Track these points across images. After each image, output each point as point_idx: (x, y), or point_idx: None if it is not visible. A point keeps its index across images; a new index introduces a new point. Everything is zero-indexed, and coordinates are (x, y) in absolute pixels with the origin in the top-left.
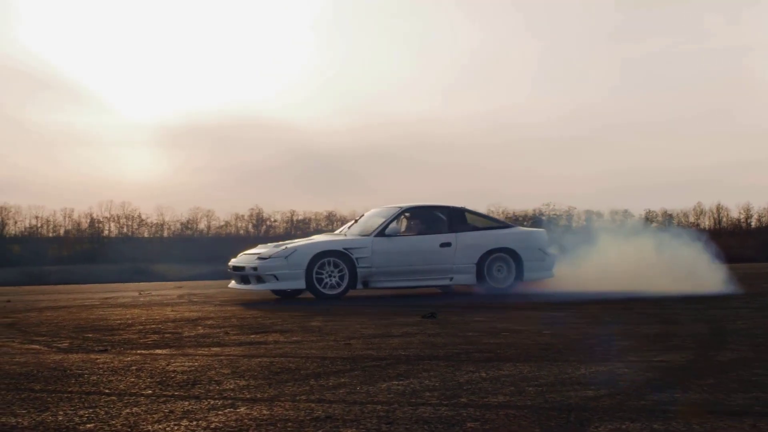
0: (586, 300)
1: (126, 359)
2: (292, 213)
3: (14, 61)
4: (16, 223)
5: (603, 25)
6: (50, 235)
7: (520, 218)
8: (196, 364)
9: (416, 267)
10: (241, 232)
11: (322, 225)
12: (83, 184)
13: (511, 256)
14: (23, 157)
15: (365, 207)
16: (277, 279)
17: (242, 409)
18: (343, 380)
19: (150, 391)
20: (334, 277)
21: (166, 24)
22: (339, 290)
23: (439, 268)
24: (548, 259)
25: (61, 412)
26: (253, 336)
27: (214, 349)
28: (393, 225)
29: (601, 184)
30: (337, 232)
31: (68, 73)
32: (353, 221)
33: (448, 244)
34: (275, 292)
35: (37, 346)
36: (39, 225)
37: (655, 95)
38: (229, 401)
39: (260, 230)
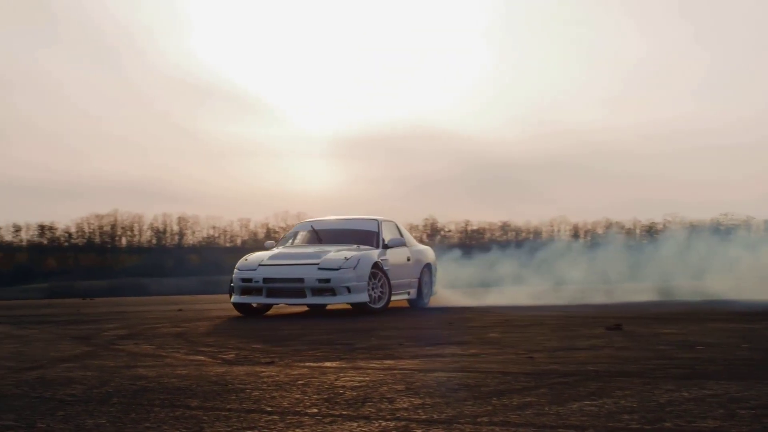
0: None
1: (293, 372)
2: (467, 223)
3: (186, 72)
4: (194, 233)
5: None
6: (227, 245)
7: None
8: (367, 378)
9: (404, 280)
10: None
11: (496, 235)
12: (259, 194)
13: (429, 271)
14: (197, 168)
15: (539, 217)
16: (350, 291)
17: None
18: (528, 399)
19: (315, 410)
20: (378, 289)
21: (341, 36)
22: (383, 303)
23: (407, 282)
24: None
25: None
26: (428, 348)
27: (388, 362)
28: (395, 237)
29: None
30: (279, 245)
31: (241, 84)
32: (293, 234)
33: (409, 258)
34: (242, 308)
35: (202, 358)
36: (216, 235)
37: None
38: (403, 422)
39: (435, 240)
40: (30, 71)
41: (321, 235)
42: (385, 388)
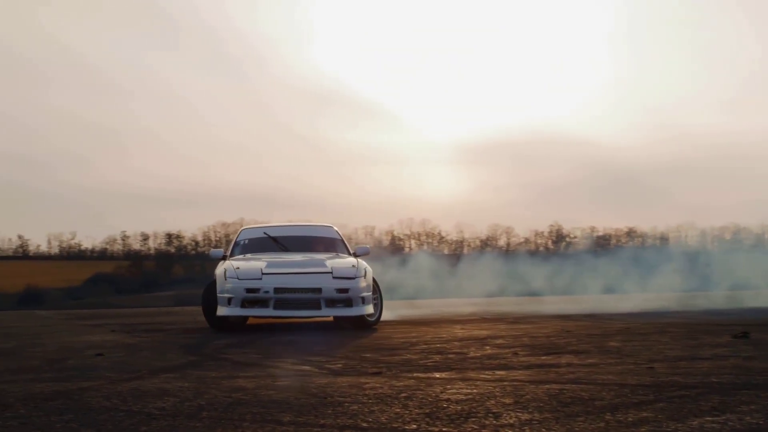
0: None
1: (398, 384)
2: (592, 229)
3: (308, 81)
4: None
5: None
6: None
7: None
8: (474, 391)
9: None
10: (541, 248)
11: (623, 241)
12: (383, 202)
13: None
14: (320, 176)
15: (666, 223)
16: (363, 302)
17: None
18: (645, 414)
19: (414, 426)
20: (377, 301)
21: (464, 43)
22: (377, 315)
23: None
24: None
25: None
26: (544, 357)
27: (499, 372)
28: (361, 246)
29: None
30: (234, 253)
31: (363, 92)
32: (243, 241)
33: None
34: (221, 322)
35: (308, 367)
36: None
37: None
38: None
39: (560, 246)
40: (151, 81)
41: (280, 243)
42: (492, 401)
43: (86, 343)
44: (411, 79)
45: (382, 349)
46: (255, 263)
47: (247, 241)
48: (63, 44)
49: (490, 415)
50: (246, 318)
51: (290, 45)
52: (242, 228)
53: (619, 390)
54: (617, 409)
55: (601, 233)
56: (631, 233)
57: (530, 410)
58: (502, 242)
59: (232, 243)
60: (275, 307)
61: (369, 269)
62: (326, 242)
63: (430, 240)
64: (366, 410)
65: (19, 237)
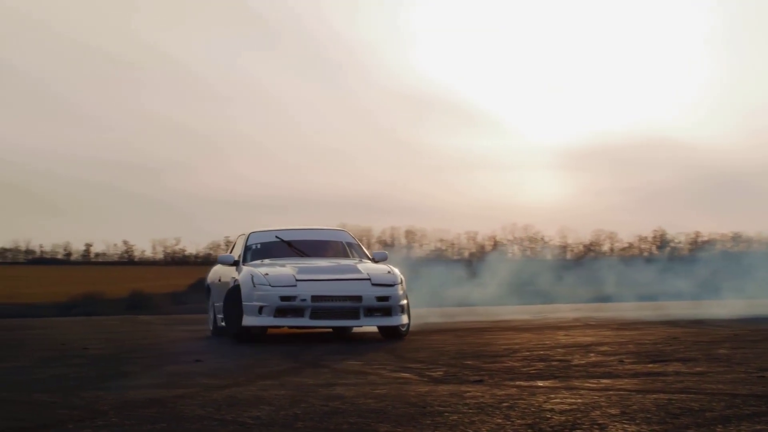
0: None
1: (500, 393)
2: (696, 234)
3: (408, 86)
4: (421, 246)
5: None
6: (455, 258)
7: None
8: (579, 400)
9: None
10: (645, 254)
11: (728, 246)
12: (485, 207)
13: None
14: (422, 182)
15: None
16: (402, 311)
17: None
18: (759, 427)
19: None
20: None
21: (564, 46)
22: (408, 324)
23: None
24: None
25: None
26: (650, 365)
27: (604, 381)
28: (379, 251)
29: None
30: (247, 258)
31: (464, 96)
32: (255, 246)
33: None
34: (246, 333)
35: (408, 375)
36: (444, 248)
37: None
38: None
39: (664, 252)
40: (249, 86)
41: (296, 247)
42: (597, 412)
43: (186, 349)
44: (513, 84)
45: (484, 356)
46: (282, 269)
47: (259, 246)
48: (161, 51)
49: (595, 426)
50: (266, 328)
51: (391, 50)
52: (250, 232)
53: (730, 400)
54: (729, 420)
55: (705, 238)
56: (735, 238)
57: (637, 422)
58: (605, 247)
59: (242, 247)
60: (311, 317)
61: (402, 276)
62: (343, 247)
63: (533, 245)
64: (466, 420)
65: (125, 242)
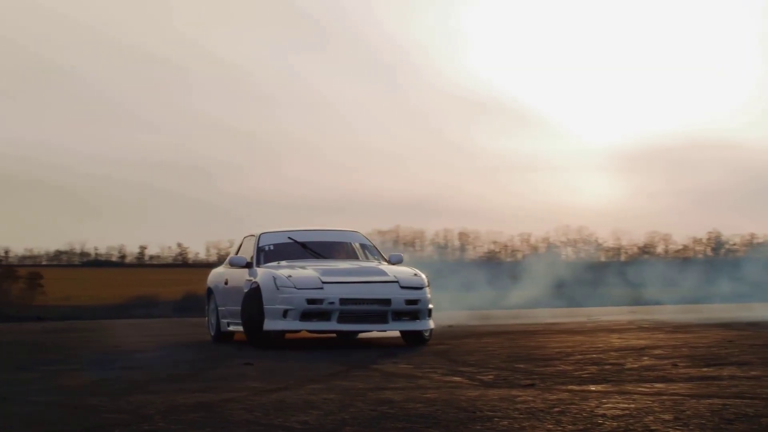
0: None
1: (551, 397)
2: (751, 236)
3: (461, 88)
4: (475, 248)
5: None
6: (508, 260)
7: None
8: (632, 405)
9: None
10: (699, 255)
11: None
12: (539, 209)
13: None
14: (475, 184)
15: None
16: (429, 316)
17: None
18: None
19: None
20: None
21: (617, 47)
22: (431, 329)
23: None
24: None
25: None
26: (705, 369)
27: (658, 385)
28: (395, 254)
29: None
30: (260, 259)
31: (517, 98)
32: (267, 247)
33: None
34: (266, 337)
35: (459, 379)
36: (497, 250)
37: None
38: None
39: (719, 253)
40: (300, 88)
41: (310, 248)
42: (650, 417)
43: (242, 352)
44: (565, 85)
45: (536, 360)
46: (304, 271)
47: (272, 247)
48: (212, 53)
49: None
50: (284, 332)
51: (444, 52)
52: (260, 232)
53: None
54: None
55: (760, 239)
56: None
57: (691, 427)
58: (660, 249)
59: (254, 249)
60: (339, 321)
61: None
62: (358, 248)
63: (586, 247)
64: (516, 426)
65: (179, 245)
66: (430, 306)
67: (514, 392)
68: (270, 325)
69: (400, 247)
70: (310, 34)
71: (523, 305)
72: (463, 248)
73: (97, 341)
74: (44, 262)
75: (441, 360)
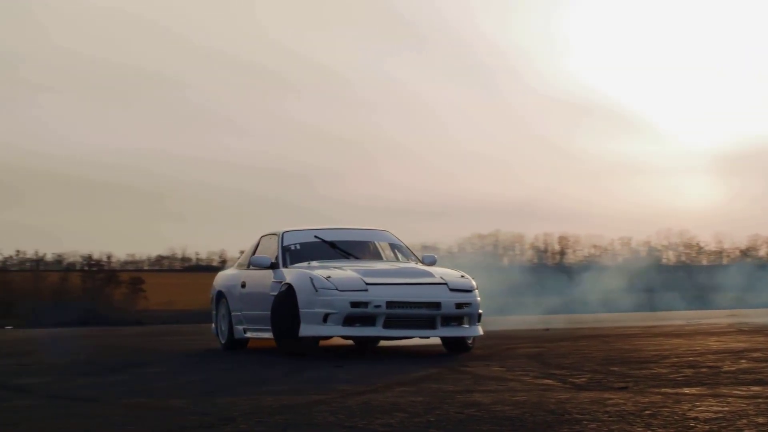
0: None
1: (643, 400)
2: None
3: (562, 92)
4: (575, 252)
5: None
6: (608, 264)
7: None
8: (725, 409)
9: None
10: None
11: None
12: (641, 213)
13: None
14: (576, 188)
15: None
16: (479, 321)
17: None
18: None
19: None
20: None
21: (717, 48)
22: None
23: None
24: None
25: None
26: None
27: (754, 388)
28: (428, 255)
29: None
30: (287, 259)
31: (620, 101)
32: (292, 247)
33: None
34: (303, 343)
35: (550, 381)
36: (597, 254)
37: None
38: None
39: None
40: (398, 92)
41: (340, 248)
42: (744, 420)
43: (328, 354)
44: (667, 87)
45: (632, 362)
46: (342, 272)
47: (298, 246)
48: (308, 58)
49: None
50: (319, 339)
51: (545, 56)
52: (283, 231)
53: None
54: None
55: None
56: None
57: None
58: (762, 252)
59: (278, 248)
60: (385, 326)
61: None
62: (390, 249)
63: (688, 251)
64: (605, 429)
65: None
66: (480, 310)
67: (606, 395)
68: (307, 330)
69: (500, 250)
70: (408, 38)
71: (621, 308)
72: (563, 252)
73: (194, 344)
74: (146, 267)
75: (534, 363)
